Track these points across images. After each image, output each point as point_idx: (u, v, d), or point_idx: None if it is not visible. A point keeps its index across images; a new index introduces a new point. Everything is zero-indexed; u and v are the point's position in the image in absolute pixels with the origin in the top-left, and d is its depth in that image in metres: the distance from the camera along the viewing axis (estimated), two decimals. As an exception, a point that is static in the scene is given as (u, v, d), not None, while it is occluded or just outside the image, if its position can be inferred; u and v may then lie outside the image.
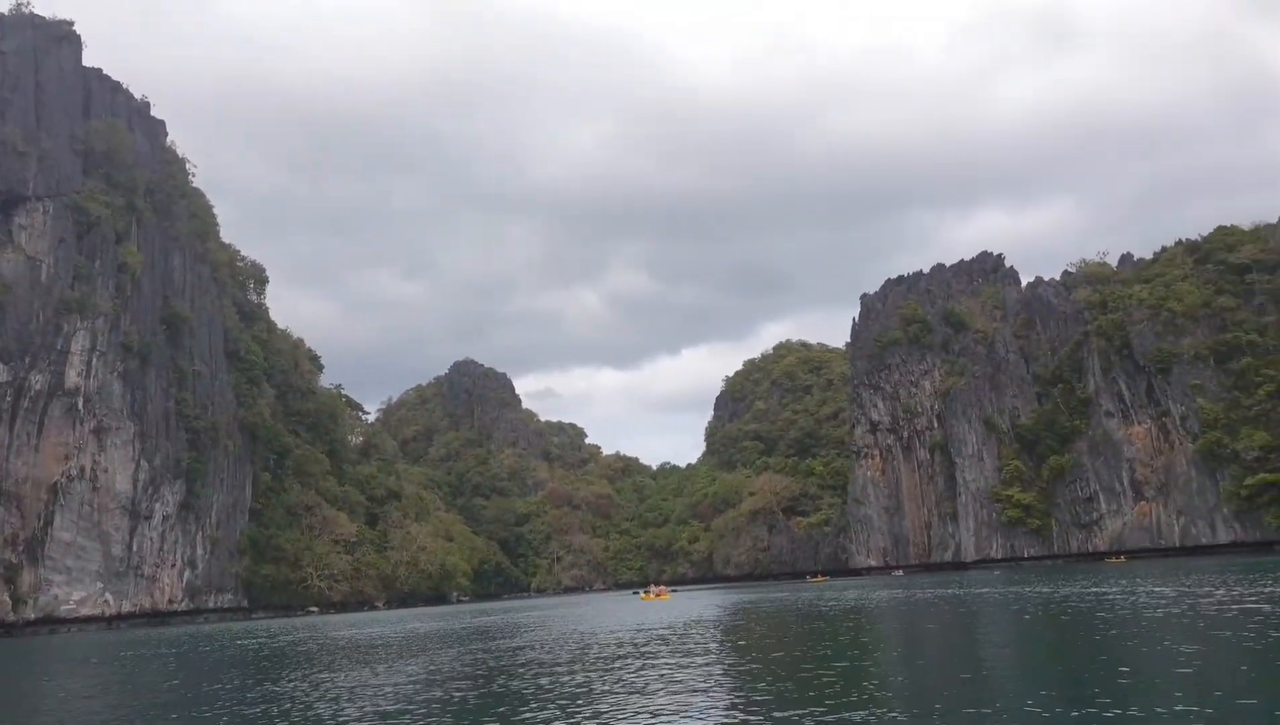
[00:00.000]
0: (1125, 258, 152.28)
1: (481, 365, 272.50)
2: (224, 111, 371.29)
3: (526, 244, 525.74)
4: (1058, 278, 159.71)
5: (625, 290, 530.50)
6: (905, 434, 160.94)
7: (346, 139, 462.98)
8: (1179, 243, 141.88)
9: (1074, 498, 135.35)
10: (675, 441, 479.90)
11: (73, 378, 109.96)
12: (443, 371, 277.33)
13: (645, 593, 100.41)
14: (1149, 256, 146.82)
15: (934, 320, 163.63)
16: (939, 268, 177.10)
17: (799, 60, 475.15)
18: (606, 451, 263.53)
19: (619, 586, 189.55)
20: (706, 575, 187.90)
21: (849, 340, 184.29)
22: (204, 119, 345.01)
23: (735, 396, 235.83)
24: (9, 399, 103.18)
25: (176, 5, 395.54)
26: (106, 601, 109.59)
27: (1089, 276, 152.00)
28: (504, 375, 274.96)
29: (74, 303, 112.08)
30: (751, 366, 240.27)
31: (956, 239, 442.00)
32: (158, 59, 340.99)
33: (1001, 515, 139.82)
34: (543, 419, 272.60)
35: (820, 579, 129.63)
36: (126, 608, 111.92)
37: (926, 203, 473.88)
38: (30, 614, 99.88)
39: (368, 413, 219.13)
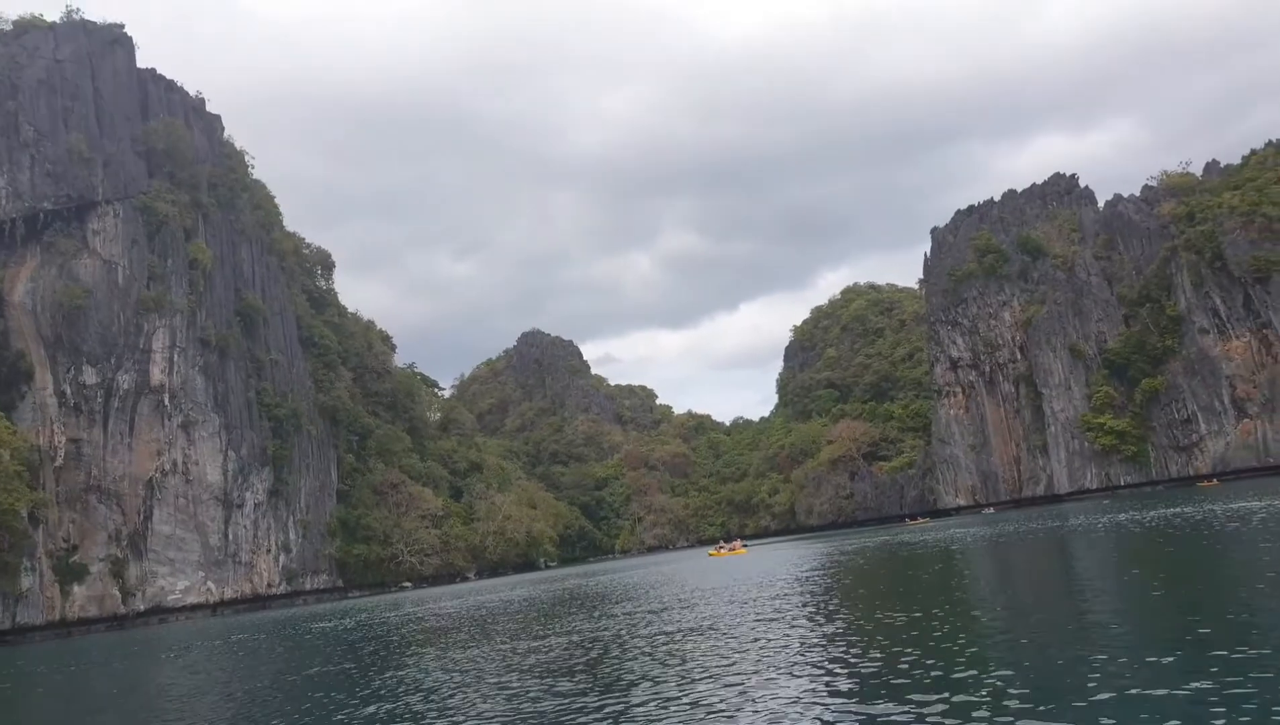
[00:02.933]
0: (1211, 165, 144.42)
1: (548, 334, 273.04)
2: (266, 107, 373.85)
3: (575, 214, 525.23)
4: (1137, 194, 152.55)
5: (677, 250, 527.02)
6: (987, 368, 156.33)
7: (389, 126, 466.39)
8: (1269, 144, 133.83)
9: (1170, 421, 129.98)
10: (742, 397, 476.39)
11: (157, 375, 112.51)
12: (505, 346, 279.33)
13: (718, 548, 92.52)
14: (1237, 161, 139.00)
15: (1009, 249, 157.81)
16: (1010, 194, 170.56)
17: (829, 4, 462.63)
18: (676, 412, 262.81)
19: (701, 543, 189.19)
20: (790, 526, 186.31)
21: (921, 277, 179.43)
22: (247, 115, 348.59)
23: (805, 345, 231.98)
24: (100, 400, 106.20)
25: (207, 4, 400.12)
26: (209, 589, 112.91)
27: (1172, 188, 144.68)
28: (571, 342, 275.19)
29: (151, 302, 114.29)
30: (820, 313, 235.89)
31: (1013, 168, 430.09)
32: (198, 58, 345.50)
33: (1094, 444, 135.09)
34: (611, 383, 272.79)
35: (921, 521, 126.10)
36: (229, 594, 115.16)
37: (976, 135, 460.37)
38: (140, 605, 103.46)
39: (443, 389, 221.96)
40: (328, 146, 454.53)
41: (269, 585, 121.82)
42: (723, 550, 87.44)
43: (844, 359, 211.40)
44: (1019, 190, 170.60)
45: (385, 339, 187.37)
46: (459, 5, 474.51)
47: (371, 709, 14.67)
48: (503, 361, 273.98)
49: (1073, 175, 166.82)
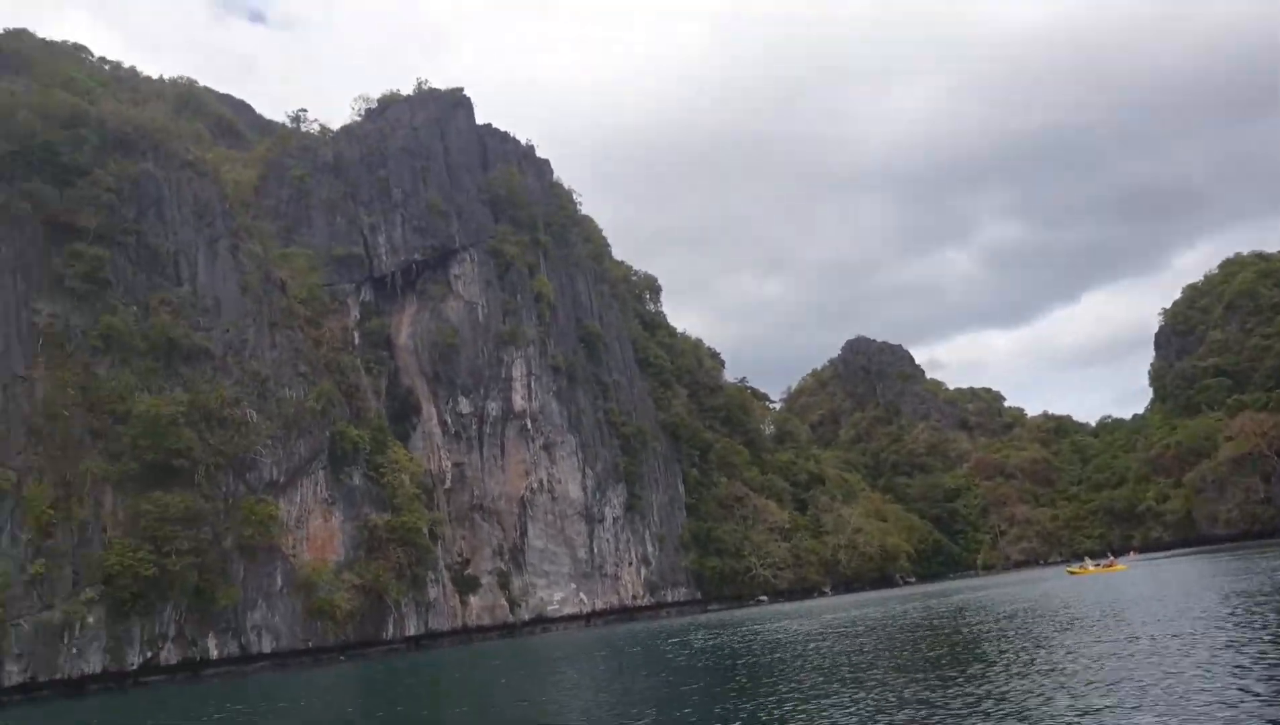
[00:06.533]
0: None
1: (874, 341, 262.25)
2: (572, 153, 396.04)
3: (878, 218, 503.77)
4: None
5: (998, 243, 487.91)
6: None
7: (687, 162, 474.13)
8: None
9: None
10: (1097, 395, 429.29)
11: (518, 402, 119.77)
12: (824, 358, 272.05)
13: (1081, 565, 79.20)
14: None
15: None
16: None
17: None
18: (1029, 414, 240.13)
19: (1077, 557, 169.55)
20: (1188, 537, 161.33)
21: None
22: (567, 161, 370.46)
23: (1179, 330, 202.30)
24: (475, 427, 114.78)
25: (528, 62, 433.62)
26: (581, 600, 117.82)
27: None
28: (900, 347, 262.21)
29: (507, 335, 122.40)
30: (1195, 292, 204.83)
31: None
32: (518, 109, 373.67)
33: None
34: (950, 388, 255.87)
35: None
36: (599, 605, 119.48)
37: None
38: (525, 615, 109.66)
39: (774, 402, 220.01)
40: (629, 187, 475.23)
41: (634, 597, 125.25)
42: (1089, 567, 74.52)
43: (1234, 342, 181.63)
44: None
45: (714, 356, 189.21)
46: (736, 34, 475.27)
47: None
48: (829, 371, 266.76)
49: None
